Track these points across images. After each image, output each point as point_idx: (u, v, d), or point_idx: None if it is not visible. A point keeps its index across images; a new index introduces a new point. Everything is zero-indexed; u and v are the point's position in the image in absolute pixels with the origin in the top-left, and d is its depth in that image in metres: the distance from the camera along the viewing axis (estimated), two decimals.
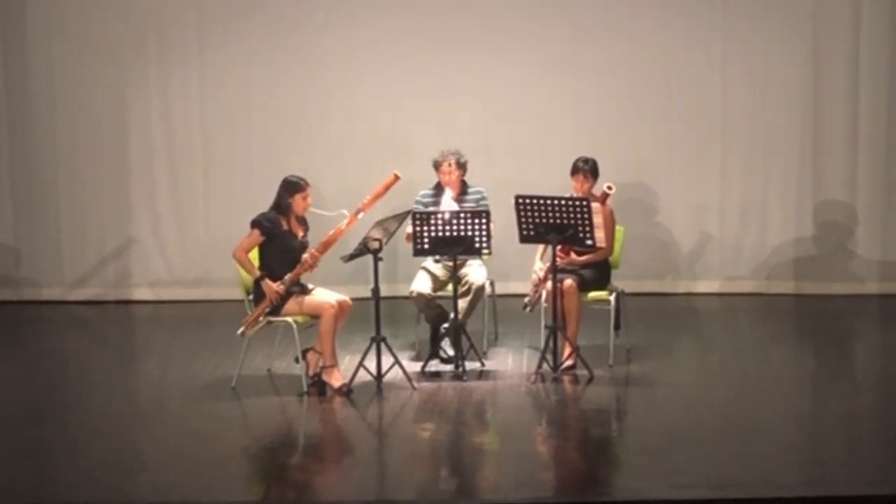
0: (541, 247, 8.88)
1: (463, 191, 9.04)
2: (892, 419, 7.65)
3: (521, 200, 8.45)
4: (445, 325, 8.82)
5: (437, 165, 9.02)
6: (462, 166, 9.02)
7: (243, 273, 8.40)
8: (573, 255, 8.75)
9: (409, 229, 8.60)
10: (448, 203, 8.86)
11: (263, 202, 8.55)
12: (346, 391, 8.23)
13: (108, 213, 11.08)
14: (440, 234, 8.46)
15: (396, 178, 8.55)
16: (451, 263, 8.67)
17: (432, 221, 8.47)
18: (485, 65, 10.85)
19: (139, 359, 9.71)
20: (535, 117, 10.89)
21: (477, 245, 8.50)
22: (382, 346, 8.34)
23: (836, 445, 7.24)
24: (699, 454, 7.01)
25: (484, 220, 8.47)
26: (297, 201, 8.38)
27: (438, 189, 9.05)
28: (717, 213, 10.95)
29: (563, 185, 8.93)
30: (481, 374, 8.64)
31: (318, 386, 8.32)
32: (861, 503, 6.36)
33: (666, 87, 10.88)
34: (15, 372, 9.27)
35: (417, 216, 8.52)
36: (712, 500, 6.39)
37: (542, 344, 8.55)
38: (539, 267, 8.85)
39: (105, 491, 6.66)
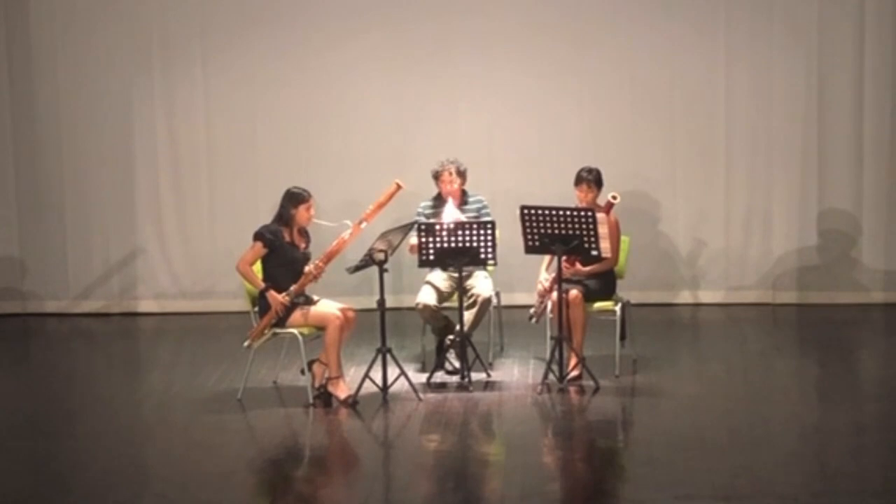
0: (546, 257, 8.87)
1: (463, 200, 9.02)
2: None
3: (526, 211, 8.46)
4: (450, 336, 8.82)
5: (436, 176, 8.99)
6: (462, 174, 8.99)
7: (248, 285, 8.41)
8: (578, 266, 8.75)
9: (413, 240, 8.60)
10: (451, 212, 8.84)
11: (268, 214, 8.56)
12: (352, 402, 8.22)
13: (113, 225, 11.09)
14: (445, 244, 8.47)
15: (398, 187, 8.56)
16: (456, 275, 8.67)
17: (437, 232, 8.48)
18: (488, 76, 10.87)
19: (144, 371, 9.72)
20: (537, 127, 10.90)
21: (482, 255, 8.51)
22: (388, 357, 8.35)
23: (841, 456, 7.23)
24: (704, 465, 7.01)
25: (489, 231, 8.48)
26: (300, 213, 8.38)
27: (439, 200, 9.04)
28: (721, 222, 10.95)
29: (566, 195, 8.93)
30: (487, 385, 8.64)
31: (324, 397, 8.31)
32: None
33: (669, 96, 10.88)
34: (20, 384, 9.28)
35: (422, 227, 8.51)
36: None
37: (548, 354, 8.56)
38: (544, 277, 8.84)
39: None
